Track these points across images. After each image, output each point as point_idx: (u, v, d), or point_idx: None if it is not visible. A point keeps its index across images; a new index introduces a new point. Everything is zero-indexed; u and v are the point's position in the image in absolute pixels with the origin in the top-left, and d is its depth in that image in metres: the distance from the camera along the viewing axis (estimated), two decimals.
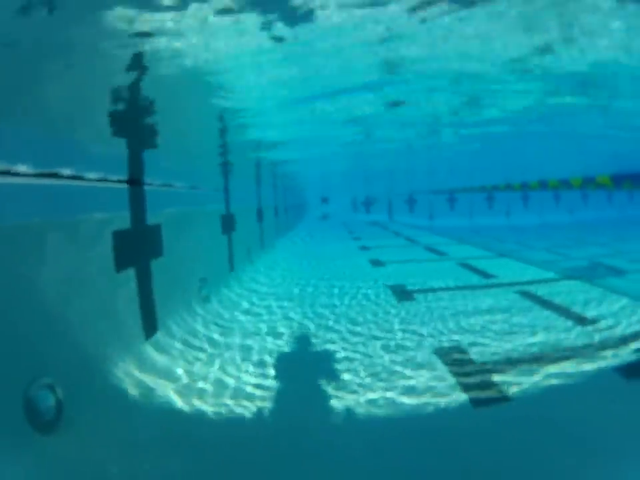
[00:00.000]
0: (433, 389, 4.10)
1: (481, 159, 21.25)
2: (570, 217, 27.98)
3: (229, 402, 4.00)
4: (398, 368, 4.58)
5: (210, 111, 7.00)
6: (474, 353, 4.85)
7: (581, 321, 5.74)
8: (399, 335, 5.57)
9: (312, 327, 6.05)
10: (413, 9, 4.23)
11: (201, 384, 4.36)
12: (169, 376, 4.52)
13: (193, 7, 3.47)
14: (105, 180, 4.80)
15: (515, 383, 4.11)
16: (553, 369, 4.34)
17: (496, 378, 4.23)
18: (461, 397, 3.93)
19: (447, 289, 8.04)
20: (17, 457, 2.80)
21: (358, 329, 5.86)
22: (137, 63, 4.53)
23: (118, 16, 3.23)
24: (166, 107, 5.92)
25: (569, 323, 5.66)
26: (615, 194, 28.45)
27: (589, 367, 4.35)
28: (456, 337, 5.39)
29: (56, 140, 3.83)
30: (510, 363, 4.55)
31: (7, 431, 2.88)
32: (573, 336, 5.20)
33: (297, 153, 14.15)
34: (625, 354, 4.62)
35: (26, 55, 2.84)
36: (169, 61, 4.57)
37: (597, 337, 5.12)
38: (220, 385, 4.35)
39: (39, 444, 3.04)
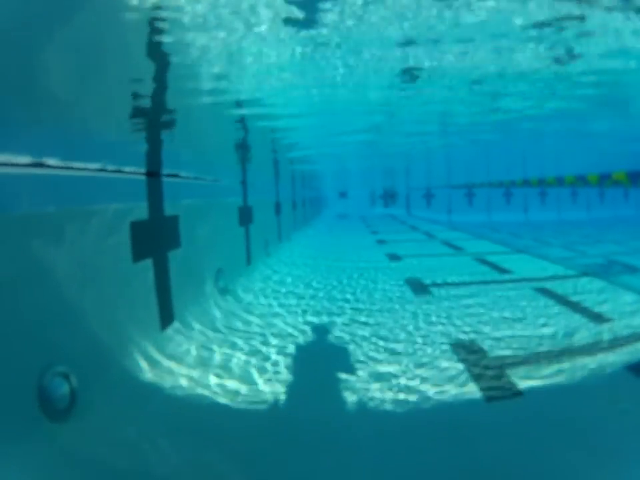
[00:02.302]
0: (446, 382, 4.07)
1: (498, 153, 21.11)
2: (587, 214, 27.68)
3: (243, 392, 4.00)
4: (412, 360, 4.57)
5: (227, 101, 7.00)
6: (488, 348, 4.80)
7: (596, 318, 5.67)
8: (415, 327, 5.55)
9: (328, 320, 6.05)
10: None
11: (215, 374, 4.36)
12: (184, 366, 4.52)
13: None
14: (123, 171, 4.80)
15: (527, 378, 4.06)
16: (565, 365, 4.29)
17: (509, 373, 4.18)
18: (474, 391, 3.89)
19: (464, 283, 8.00)
20: (29, 444, 2.81)
21: (373, 320, 5.86)
22: (158, 53, 4.52)
23: None
24: (185, 98, 5.93)
25: (584, 320, 5.60)
26: (631, 192, 28.03)
27: (601, 364, 4.30)
28: (471, 331, 5.35)
29: (73, 130, 3.84)
30: (523, 358, 4.50)
31: (19, 418, 2.89)
32: (587, 333, 5.14)
33: (313, 142, 14.08)
34: (638, 352, 4.56)
35: (42, 44, 2.84)
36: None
37: (610, 335, 5.06)
38: (234, 375, 4.35)
39: (51, 432, 3.05)
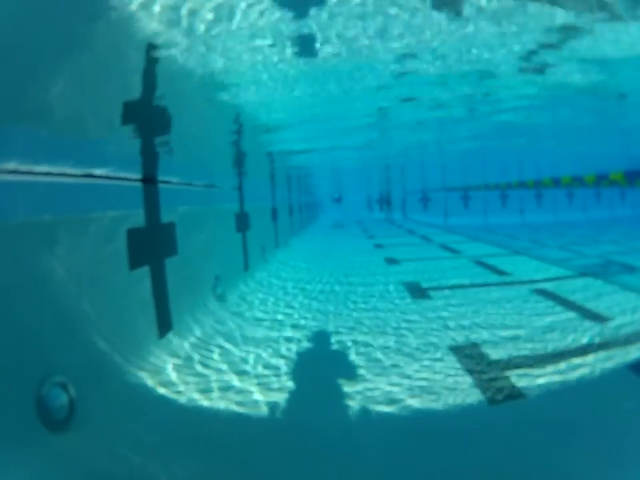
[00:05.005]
0: (446, 385, 4.04)
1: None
2: (583, 214, 27.70)
3: (242, 400, 3.96)
4: (412, 363, 4.53)
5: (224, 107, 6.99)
6: (489, 350, 4.78)
7: (596, 318, 5.65)
8: (414, 330, 5.52)
9: (328, 327, 6.02)
10: None
11: (213, 382, 4.32)
12: (183, 374, 4.49)
13: None
14: (119, 178, 4.77)
15: (529, 380, 4.03)
16: (566, 366, 4.26)
17: (511, 375, 4.15)
18: (476, 394, 3.85)
19: (463, 286, 7.99)
20: (28, 455, 2.77)
21: (373, 326, 5.82)
22: (151, 56, 4.50)
23: None
24: (181, 103, 5.90)
25: (584, 321, 5.58)
26: (627, 192, 28.07)
27: (603, 364, 4.27)
28: (471, 334, 5.32)
29: (68, 137, 3.81)
30: (524, 360, 4.47)
31: (18, 429, 2.85)
32: (588, 334, 5.10)
33: (309, 146, 14.12)
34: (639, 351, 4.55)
35: (35, 51, 2.82)
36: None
37: (611, 335, 5.05)
38: (233, 382, 4.31)
39: (50, 443, 3.00)
